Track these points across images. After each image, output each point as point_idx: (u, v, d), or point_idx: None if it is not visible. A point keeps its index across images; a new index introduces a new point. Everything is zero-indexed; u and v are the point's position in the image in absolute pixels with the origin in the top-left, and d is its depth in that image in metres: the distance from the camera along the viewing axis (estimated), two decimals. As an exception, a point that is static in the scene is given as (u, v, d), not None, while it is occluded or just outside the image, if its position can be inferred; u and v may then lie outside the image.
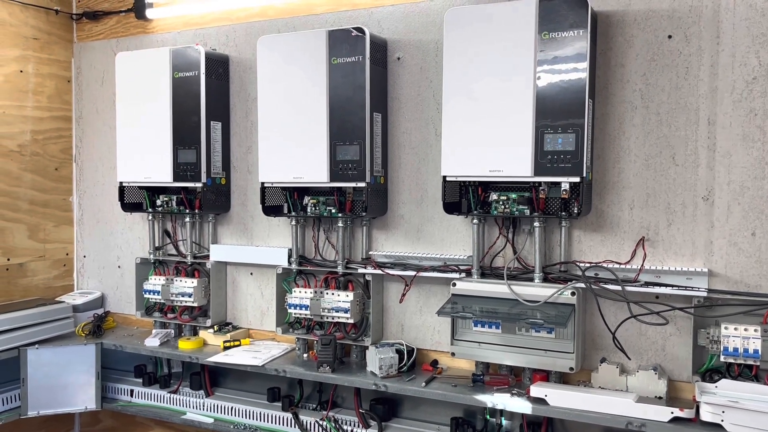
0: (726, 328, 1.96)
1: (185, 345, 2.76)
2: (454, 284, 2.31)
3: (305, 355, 2.63)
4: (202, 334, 2.85)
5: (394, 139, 2.54)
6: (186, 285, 2.83)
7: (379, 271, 2.48)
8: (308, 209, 2.58)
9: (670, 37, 2.10)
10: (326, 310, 2.51)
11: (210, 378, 2.84)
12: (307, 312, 2.54)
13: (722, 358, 1.97)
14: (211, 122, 2.77)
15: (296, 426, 2.55)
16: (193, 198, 2.84)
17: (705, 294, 2.02)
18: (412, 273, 2.42)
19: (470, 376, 2.29)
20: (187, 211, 2.85)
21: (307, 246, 2.70)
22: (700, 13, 2.06)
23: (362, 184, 2.40)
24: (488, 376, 2.27)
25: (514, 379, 2.27)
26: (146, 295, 2.91)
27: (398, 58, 2.52)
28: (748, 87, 2.01)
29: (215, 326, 2.84)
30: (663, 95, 2.12)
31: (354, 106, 2.39)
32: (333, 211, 2.54)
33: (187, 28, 2.98)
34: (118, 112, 2.90)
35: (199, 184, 2.74)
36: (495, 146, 2.17)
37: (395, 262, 2.49)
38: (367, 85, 2.37)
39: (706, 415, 1.87)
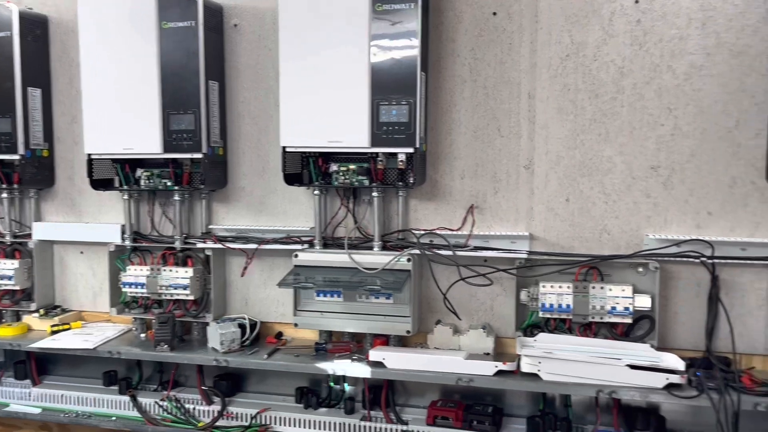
0: (543, 286, 2.14)
1: (5, 332, 2.53)
2: (296, 255, 2.31)
3: (143, 336, 2.51)
4: (26, 319, 2.63)
5: (233, 109, 2.47)
6: (5, 267, 2.58)
7: (219, 245, 2.41)
8: (141, 182, 2.45)
9: (494, 14, 2.21)
10: (164, 288, 2.41)
11: (38, 366, 2.63)
12: (144, 290, 2.42)
13: (540, 314, 2.15)
14: (29, 89, 2.52)
15: (134, 409, 2.44)
16: (11, 171, 2.58)
17: (525, 256, 2.19)
18: (254, 246, 2.39)
19: (314, 345, 2.32)
20: (4, 185, 2.59)
21: (143, 221, 2.57)
22: (520, -7, 2.19)
23: (199, 156, 2.32)
24: (331, 345, 2.31)
25: (356, 346, 2.33)
26: (-42, 280, 2.62)
27: (235, 25, 2.44)
28: (563, 63, 2.17)
29: (41, 310, 2.63)
30: (489, 70, 2.24)
31: (188, 73, 2.29)
32: (169, 184, 2.43)
33: (-4, -17, 2.68)
34: None
35: (16, 157, 2.49)
36: (333, 117, 2.18)
37: (237, 236, 2.44)
38: (201, 51, 2.28)
39: (526, 366, 2.03)
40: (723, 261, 2.05)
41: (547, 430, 2.14)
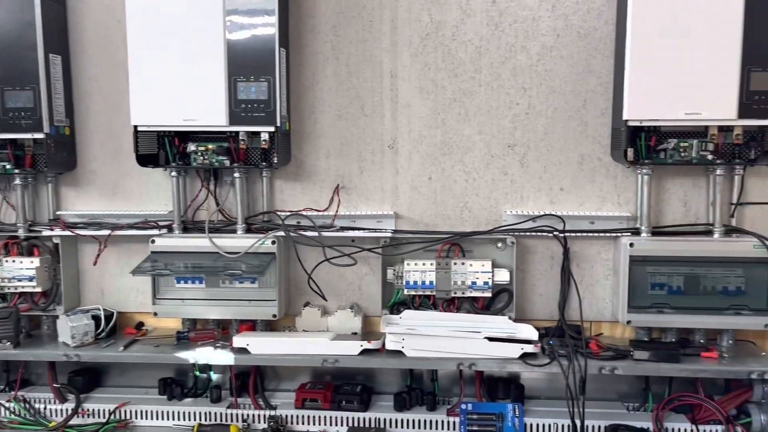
0: (408, 264, 2.16)
1: None
2: (153, 241, 2.19)
3: (-15, 333, 2.30)
4: None
5: (80, 86, 2.29)
6: None
7: (68, 233, 2.24)
8: (-24, 166, 2.23)
9: (355, -10, 2.18)
10: (7, 280, 2.21)
11: None
12: (-16, 284, 2.22)
13: (406, 292, 2.17)
14: None
15: (-24, 413, 2.24)
16: None
17: (390, 234, 2.20)
18: (107, 232, 2.24)
19: (175, 334, 2.22)
20: None
21: (-19, 208, 2.34)
22: (380, -30, 2.17)
23: (40, 135, 2.13)
24: (194, 333, 2.22)
25: (221, 333, 2.25)
26: None
27: (79, -6, 2.25)
28: (423, 42, 2.18)
29: None
30: (351, 47, 2.20)
31: (23, 46, 2.09)
32: (8, 167, 2.22)
33: None
34: None
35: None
36: (189, 95, 2.07)
37: (89, 222, 2.28)
38: (39, 21, 2.08)
39: (390, 344, 2.05)
40: (574, 234, 2.15)
41: (413, 404, 2.18)
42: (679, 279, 2.05)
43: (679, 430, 2.03)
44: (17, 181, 2.24)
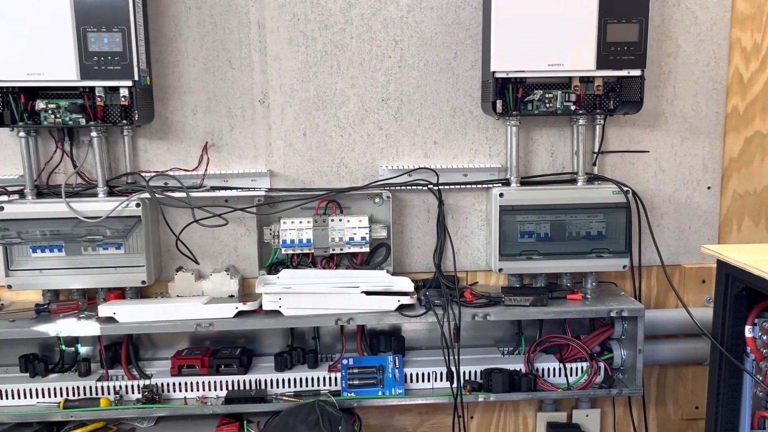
0: (284, 222, 2.11)
1: None
2: (2, 208, 2.01)
3: None
4: None
5: None
6: None
7: None
8: None
9: (216, -66, 2.05)
10: None
11: None
12: None
13: (283, 251, 2.13)
14: None
15: None
16: None
17: (264, 193, 2.13)
18: (-54, 200, 2.03)
19: (34, 307, 2.06)
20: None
21: None
22: None
23: None
24: (56, 305, 2.07)
25: (86, 303, 2.12)
26: None
27: None
28: (291, -8, 2.10)
29: None
30: (215, -4, 2.09)
31: None
32: None
33: None
34: None
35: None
36: (33, 46, 1.89)
37: (-74, 190, 2.06)
38: None
39: (267, 304, 2.00)
40: (448, 187, 2.18)
41: (295, 364, 2.16)
42: (546, 226, 2.13)
43: (548, 369, 2.14)
44: None
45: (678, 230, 2.30)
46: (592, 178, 2.20)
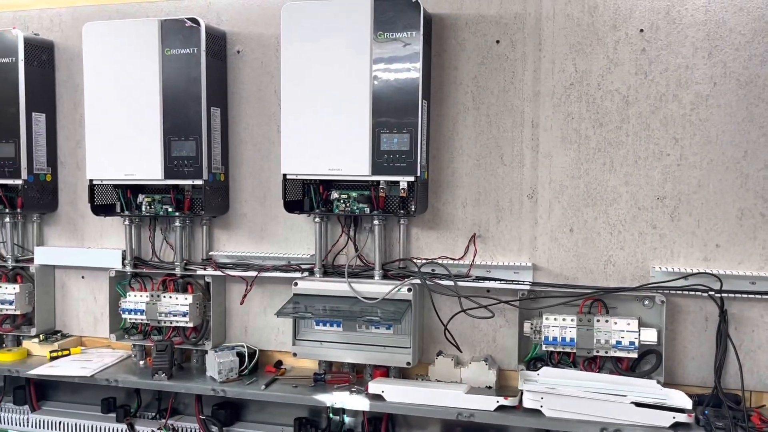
0: (547, 318, 2.09)
1: (5, 357, 2.51)
2: (296, 284, 2.29)
3: (142, 362, 2.49)
4: (26, 344, 2.62)
5: (235, 135, 2.46)
6: (6, 291, 2.57)
7: (219, 273, 2.39)
8: (143, 208, 2.44)
9: (498, 42, 2.19)
10: (163, 315, 2.39)
11: (37, 391, 2.62)
12: (143, 317, 2.40)
13: (544, 347, 2.10)
14: (33, 114, 2.53)
15: (131, 437, 2.42)
16: (14, 195, 2.59)
17: (528, 287, 2.14)
18: (254, 273, 2.36)
19: (312, 375, 2.28)
20: (8, 210, 2.59)
21: (144, 247, 2.56)
22: (524, 21, 2.17)
23: (200, 182, 2.31)
24: (330, 375, 2.27)
25: (355, 377, 2.28)
26: (-41, 304, 2.62)
27: (238, 52, 2.44)
28: (566, 92, 2.14)
29: (41, 335, 2.62)
30: (492, 98, 2.21)
31: (189, 100, 2.29)
32: (170, 210, 2.41)
33: (4, 10, 2.70)
34: None
35: (19, 181, 2.50)
36: (334, 145, 2.17)
37: (237, 263, 2.42)
38: (203, 78, 2.28)
39: (528, 402, 1.97)
40: (732, 295, 1.99)
41: (547, 466, 2.08)
42: None
43: None
44: (176, 223, 2.43)
45: None
46: None
